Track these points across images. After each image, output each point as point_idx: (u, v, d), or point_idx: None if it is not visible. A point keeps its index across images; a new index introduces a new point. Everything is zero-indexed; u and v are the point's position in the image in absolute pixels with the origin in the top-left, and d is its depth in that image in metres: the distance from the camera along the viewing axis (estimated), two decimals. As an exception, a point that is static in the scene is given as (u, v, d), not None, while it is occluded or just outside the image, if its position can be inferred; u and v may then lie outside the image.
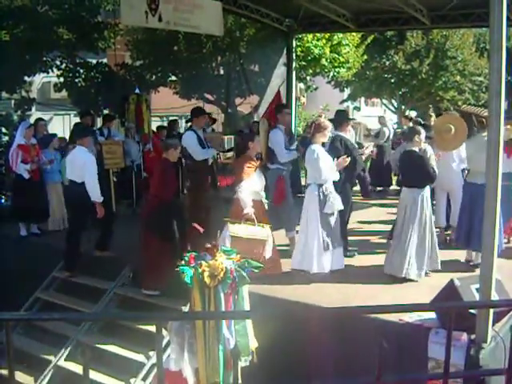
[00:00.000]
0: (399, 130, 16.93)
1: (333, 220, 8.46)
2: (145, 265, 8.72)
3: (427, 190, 8.53)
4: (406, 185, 8.70)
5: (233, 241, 7.68)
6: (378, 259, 9.06)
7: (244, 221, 8.06)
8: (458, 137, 9.20)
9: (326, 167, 8.37)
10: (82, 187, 9.39)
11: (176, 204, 8.96)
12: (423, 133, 8.73)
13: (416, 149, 8.61)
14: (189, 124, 11.32)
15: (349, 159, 8.72)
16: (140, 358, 8.07)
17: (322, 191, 8.34)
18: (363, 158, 10.06)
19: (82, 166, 9.48)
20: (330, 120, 9.35)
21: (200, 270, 6.01)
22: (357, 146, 10.15)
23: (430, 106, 26.84)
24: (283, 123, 10.03)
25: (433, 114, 13.31)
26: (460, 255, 9.35)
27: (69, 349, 8.56)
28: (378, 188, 16.22)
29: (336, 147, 9.14)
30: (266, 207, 8.81)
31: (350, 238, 9.88)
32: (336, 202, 8.46)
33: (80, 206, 9.57)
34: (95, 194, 9.43)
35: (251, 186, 8.41)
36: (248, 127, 16.99)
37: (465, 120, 9.25)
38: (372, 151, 11.36)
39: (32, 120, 14.77)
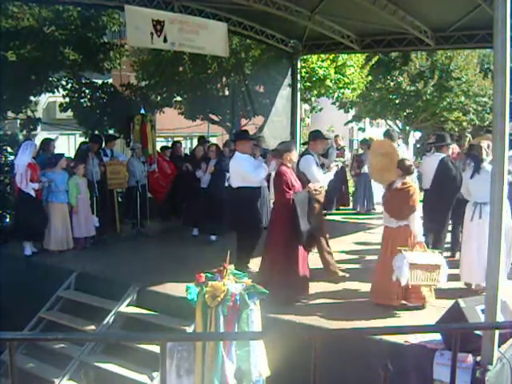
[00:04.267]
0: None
1: None
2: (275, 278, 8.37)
3: None
4: None
5: (411, 268, 7.72)
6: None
7: (416, 248, 8.05)
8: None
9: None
10: (249, 190, 9.51)
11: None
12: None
13: None
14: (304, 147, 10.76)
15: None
16: (143, 378, 8.02)
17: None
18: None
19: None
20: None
21: (204, 290, 5.98)
22: None
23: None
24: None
25: (468, 135, 13.42)
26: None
27: (72, 369, 8.52)
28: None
29: None
30: None
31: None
32: None
33: (251, 207, 9.61)
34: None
35: (419, 214, 8.34)
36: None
37: None
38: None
39: (37, 140, 14.79)
